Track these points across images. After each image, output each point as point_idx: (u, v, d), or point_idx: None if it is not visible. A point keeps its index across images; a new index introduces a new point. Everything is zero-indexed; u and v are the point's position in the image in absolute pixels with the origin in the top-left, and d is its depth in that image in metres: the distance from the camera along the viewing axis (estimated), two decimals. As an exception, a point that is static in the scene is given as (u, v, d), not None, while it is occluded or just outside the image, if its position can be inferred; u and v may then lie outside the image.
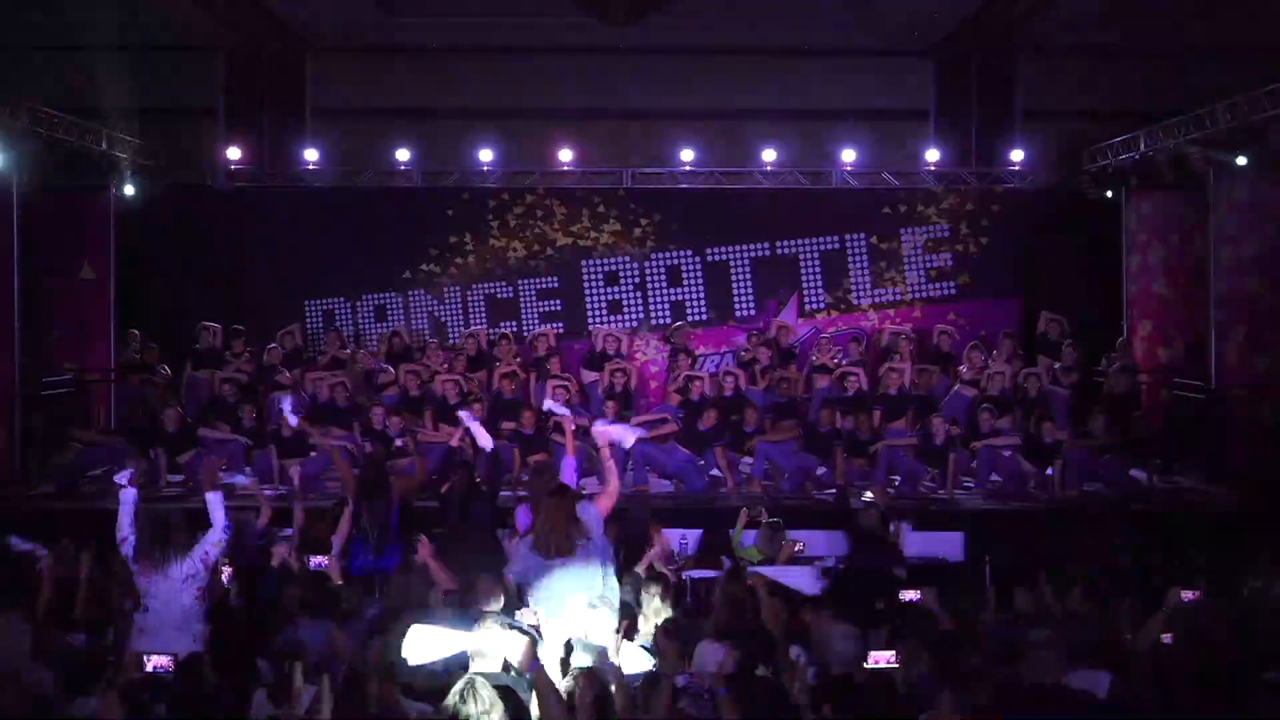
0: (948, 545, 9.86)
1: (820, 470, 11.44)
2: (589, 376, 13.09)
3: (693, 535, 9.52)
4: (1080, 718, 4.88)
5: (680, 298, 15.40)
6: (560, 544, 6.28)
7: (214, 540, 6.43)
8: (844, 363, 13.02)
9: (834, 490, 10.96)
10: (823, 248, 15.39)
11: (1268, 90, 11.05)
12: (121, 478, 6.83)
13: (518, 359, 13.26)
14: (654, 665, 5.81)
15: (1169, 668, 5.37)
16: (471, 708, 4.24)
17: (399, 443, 11.16)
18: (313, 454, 11.40)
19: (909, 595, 6.48)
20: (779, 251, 15.40)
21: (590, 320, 15.11)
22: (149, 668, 4.79)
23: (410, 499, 9.35)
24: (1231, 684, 5.10)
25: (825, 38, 15.18)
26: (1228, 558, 7.92)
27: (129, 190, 13.87)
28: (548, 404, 9.60)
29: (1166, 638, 5.82)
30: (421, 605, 6.30)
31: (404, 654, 4.98)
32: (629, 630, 6.25)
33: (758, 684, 5.27)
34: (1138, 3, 13.58)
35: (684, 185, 15.07)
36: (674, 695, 4.89)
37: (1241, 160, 11.70)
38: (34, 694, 5.17)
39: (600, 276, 15.40)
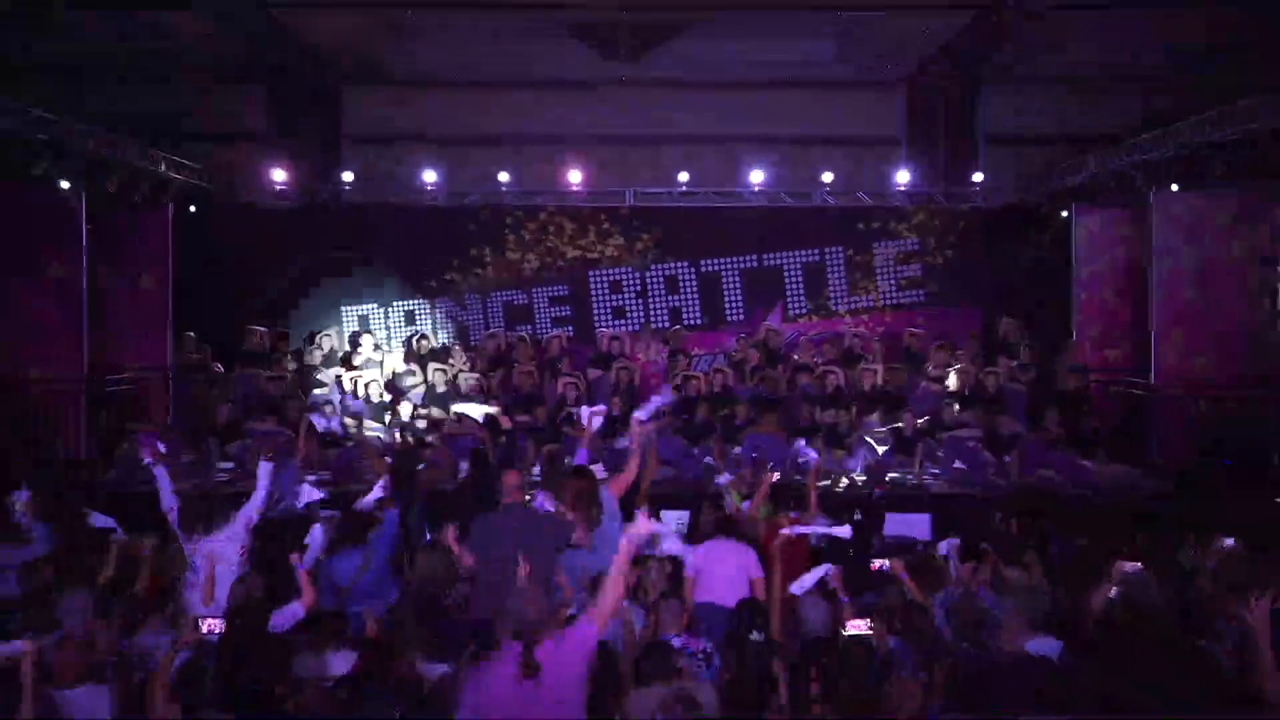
0: (917, 525, 9.90)
1: (802, 460, 11.46)
2: (595, 374, 13.13)
3: (685, 516, 9.56)
4: (1037, 681, 4.91)
5: (677, 304, 15.42)
6: (583, 522, 6.28)
7: (256, 505, 6.55)
8: (821, 363, 13.05)
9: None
10: (805, 260, 15.42)
11: (1201, 119, 11.13)
12: (147, 458, 6.95)
13: (533, 359, 13.30)
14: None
15: (1112, 633, 5.42)
16: None
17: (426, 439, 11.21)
18: (348, 444, 11.45)
19: (880, 564, 6.51)
20: (766, 263, 15.43)
21: (596, 324, 15.13)
22: (204, 630, 4.84)
23: (436, 486, 9.39)
24: (1166, 646, 5.15)
25: (806, 72, 15.20)
26: (1164, 536, 7.95)
27: (184, 207, 13.92)
28: (586, 412, 9.48)
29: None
30: (446, 581, 6.33)
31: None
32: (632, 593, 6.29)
33: (750, 647, 5.30)
34: (1086, 41, 13.60)
35: (681, 204, 15.09)
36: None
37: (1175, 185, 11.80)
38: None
39: (605, 285, 15.43)
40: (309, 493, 8.43)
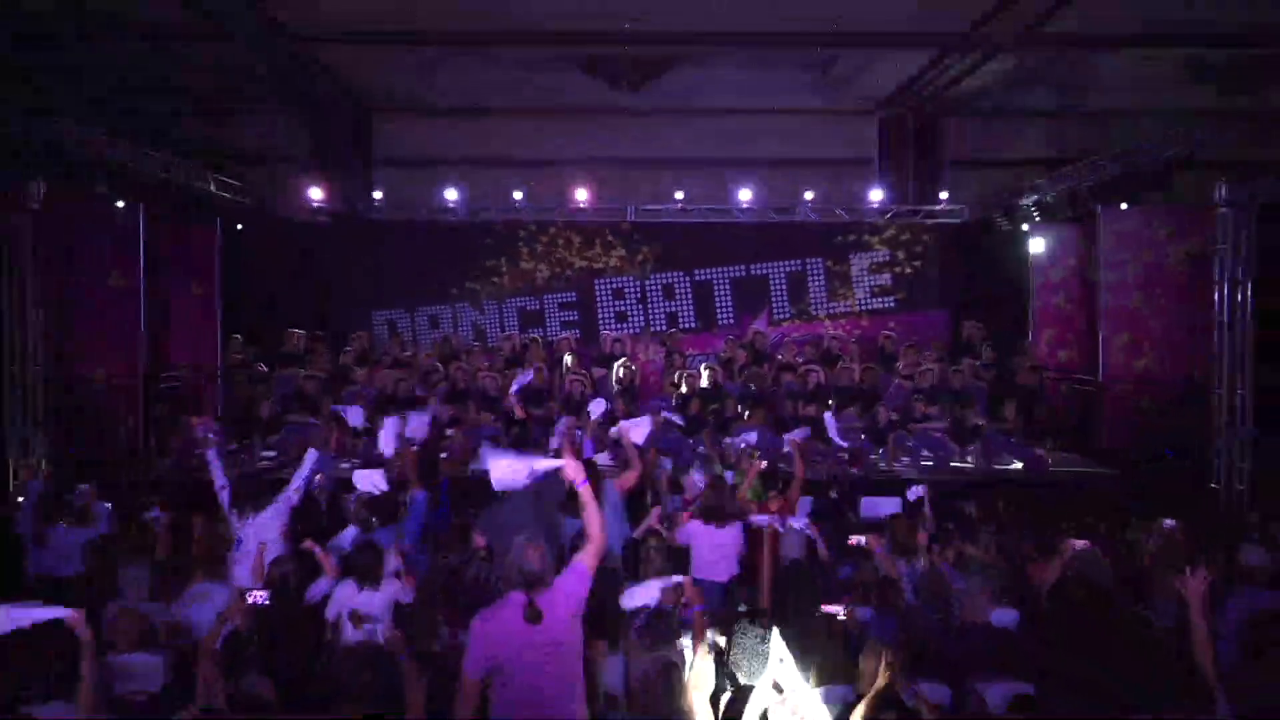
0: (890, 508, 9.86)
1: (787, 449, 11.43)
2: (600, 372, 13.11)
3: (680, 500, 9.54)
4: (998, 648, 4.91)
5: (673, 310, 15.43)
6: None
7: (295, 487, 6.56)
8: (803, 362, 13.03)
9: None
10: (788, 269, 15.42)
11: (1139, 145, 11.16)
12: (205, 437, 6.96)
13: (544, 359, 13.28)
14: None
15: (1062, 605, 5.41)
16: None
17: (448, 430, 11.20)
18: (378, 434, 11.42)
19: (856, 539, 6.49)
20: (753, 273, 15.44)
21: (601, 327, 15.13)
22: (250, 601, 4.83)
23: (456, 475, 9.38)
24: (1111, 617, 5.14)
25: (789, 101, 15.20)
26: (1111, 517, 7.95)
27: (231, 223, 13.91)
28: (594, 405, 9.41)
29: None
30: (464, 558, 6.33)
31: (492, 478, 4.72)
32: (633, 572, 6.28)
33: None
34: (1038, 77, 13.61)
35: (676, 220, 15.09)
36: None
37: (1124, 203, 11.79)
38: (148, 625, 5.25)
39: (609, 293, 15.44)
40: (375, 481, 8.46)
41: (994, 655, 4.74)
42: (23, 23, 11.85)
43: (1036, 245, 13.86)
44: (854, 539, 6.48)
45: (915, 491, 7.70)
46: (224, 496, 6.56)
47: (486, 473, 4.68)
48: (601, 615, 4.81)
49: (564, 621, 3.99)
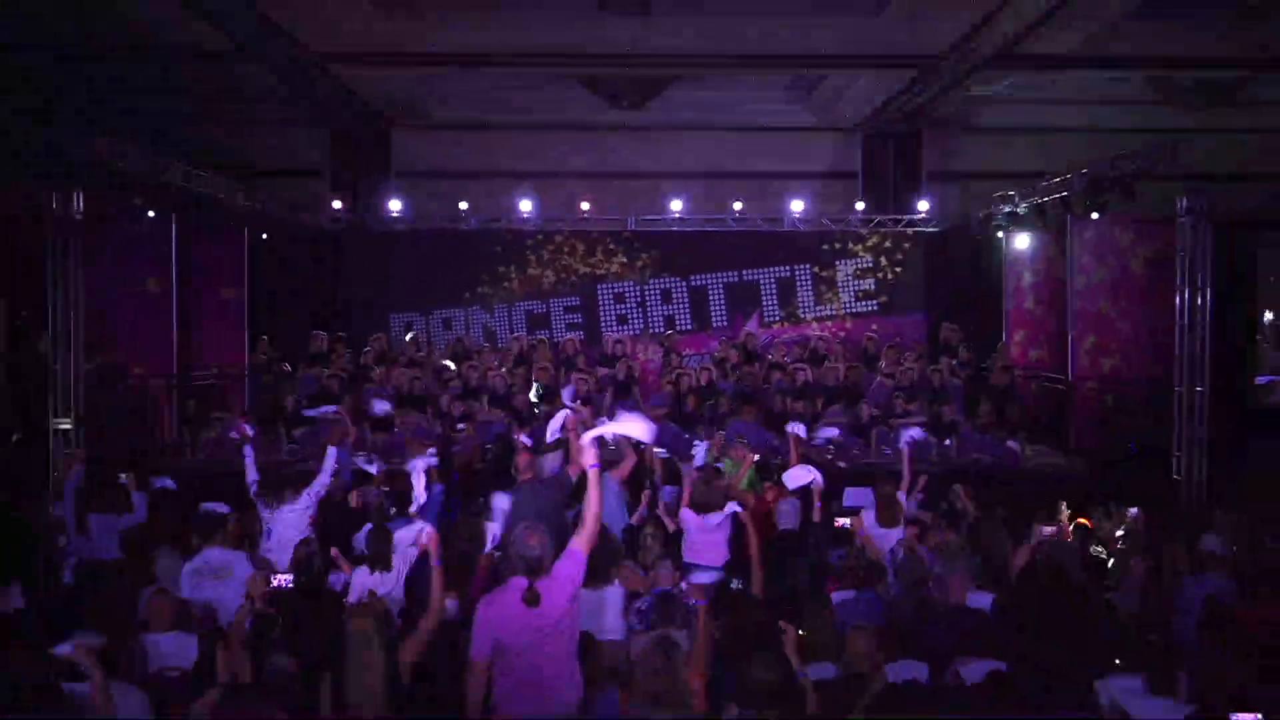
0: (868, 498, 9.86)
1: (776, 442, 11.44)
2: (603, 371, 13.10)
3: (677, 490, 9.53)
4: (974, 629, 4.91)
5: (671, 313, 15.41)
6: None
7: (323, 482, 6.55)
8: (791, 362, 13.04)
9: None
10: (778, 275, 15.42)
11: (1103, 159, 11.18)
12: (239, 436, 6.97)
13: (550, 359, 13.27)
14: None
15: (1032, 588, 5.43)
16: None
17: (460, 426, 11.19)
18: (394, 430, 11.42)
19: (840, 522, 6.49)
20: (745, 278, 15.42)
21: (603, 329, 15.11)
22: (274, 583, 4.83)
23: (468, 467, 9.37)
24: (1078, 597, 5.16)
25: (779, 119, 15.22)
26: (1078, 506, 7.95)
27: (258, 232, 13.94)
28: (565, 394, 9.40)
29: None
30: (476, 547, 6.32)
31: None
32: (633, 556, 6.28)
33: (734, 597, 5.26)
34: (1012, 95, 13.62)
35: (674, 229, 15.04)
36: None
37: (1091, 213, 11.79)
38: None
39: (611, 297, 15.42)
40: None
41: (971, 636, 4.74)
42: (68, 43, 11.87)
43: (1010, 253, 13.89)
44: (840, 521, 6.49)
45: (909, 435, 7.62)
46: (254, 490, 6.57)
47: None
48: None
49: (561, 606, 3.97)
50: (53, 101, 13.55)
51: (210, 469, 10.37)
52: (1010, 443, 11.21)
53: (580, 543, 4.13)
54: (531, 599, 3.91)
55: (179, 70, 12.91)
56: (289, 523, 6.32)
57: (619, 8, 10.15)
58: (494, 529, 6.17)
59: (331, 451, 6.78)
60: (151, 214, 11.53)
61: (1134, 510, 7.14)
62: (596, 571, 4.76)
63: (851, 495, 8.92)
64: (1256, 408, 11.53)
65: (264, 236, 14.05)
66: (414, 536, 5.64)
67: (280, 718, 3.35)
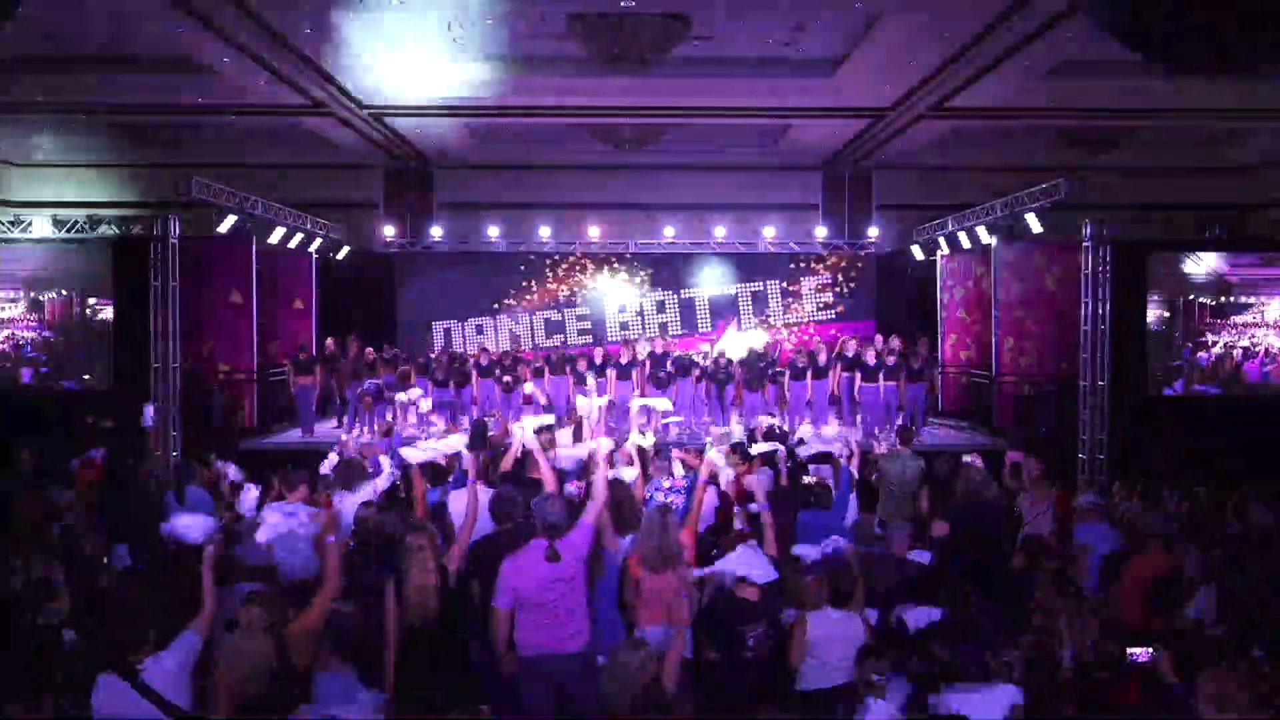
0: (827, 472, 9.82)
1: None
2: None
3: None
4: (917, 579, 4.90)
5: (664, 320, 15.45)
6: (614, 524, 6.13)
7: (385, 476, 6.49)
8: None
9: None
10: (753, 289, 15.45)
11: (1021, 194, 11.19)
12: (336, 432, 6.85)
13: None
14: None
15: (953, 548, 5.44)
16: None
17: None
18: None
19: (809, 479, 6.46)
20: (725, 292, 15.46)
21: (608, 333, 15.16)
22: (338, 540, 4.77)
23: (501, 446, 9.28)
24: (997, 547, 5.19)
25: (753, 160, 15.25)
26: (997, 477, 7.96)
27: (324, 254, 13.97)
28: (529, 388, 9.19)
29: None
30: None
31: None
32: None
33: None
34: (946, 140, 13.64)
35: (666, 251, 15.13)
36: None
37: (1011, 238, 11.83)
38: None
39: (615, 307, 15.45)
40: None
41: (912, 585, 4.76)
42: (188, 109, 11.99)
43: (944, 271, 13.93)
44: (808, 478, 6.47)
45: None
46: (330, 477, 6.36)
47: None
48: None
49: (574, 564, 4.00)
50: (165, 149, 13.66)
51: (279, 450, 10.35)
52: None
53: (589, 516, 4.14)
54: (553, 555, 3.95)
55: (262, 122, 12.92)
56: (352, 510, 6.23)
57: (622, 69, 10.16)
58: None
59: (384, 442, 6.63)
60: (238, 239, 11.53)
61: (1016, 454, 7.32)
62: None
63: (816, 470, 8.92)
64: (1149, 397, 11.58)
65: (329, 256, 14.04)
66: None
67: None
